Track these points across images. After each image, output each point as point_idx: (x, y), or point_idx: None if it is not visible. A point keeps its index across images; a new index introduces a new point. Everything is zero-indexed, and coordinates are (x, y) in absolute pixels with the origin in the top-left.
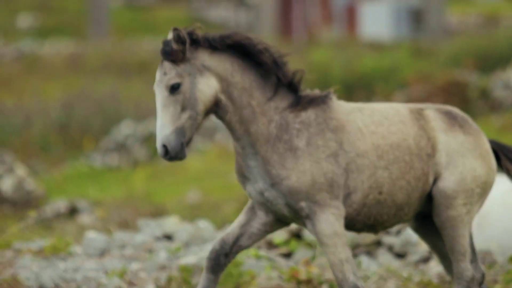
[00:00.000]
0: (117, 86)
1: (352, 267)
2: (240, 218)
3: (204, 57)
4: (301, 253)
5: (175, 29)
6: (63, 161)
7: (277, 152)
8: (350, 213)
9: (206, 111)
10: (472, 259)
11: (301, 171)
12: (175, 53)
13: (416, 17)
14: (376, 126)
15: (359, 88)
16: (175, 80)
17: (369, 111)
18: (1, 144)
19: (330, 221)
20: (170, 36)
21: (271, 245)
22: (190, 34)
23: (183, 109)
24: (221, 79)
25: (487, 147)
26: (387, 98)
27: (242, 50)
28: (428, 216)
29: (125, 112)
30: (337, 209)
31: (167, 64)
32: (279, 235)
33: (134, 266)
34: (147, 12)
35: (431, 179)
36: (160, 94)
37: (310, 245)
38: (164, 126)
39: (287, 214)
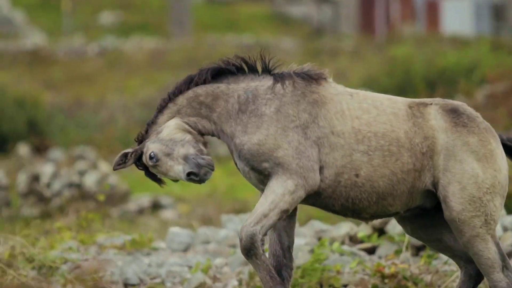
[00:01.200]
0: None
1: (265, 225)
2: None
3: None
4: (385, 248)
5: (114, 169)
6: None
7: (241, 124)
8: (324, 188)
9: (188, 131)
10: (503, 266)
11: (264, 134)
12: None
13: (497, 13)
14: (363, 113)
15: (440, 84)
16: (147, 154)
17: (362, 98)
18: (84, 141)
19: (286, 183)
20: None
21: (354, 240)
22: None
23: (172, 151)
24: (173, 116)
25: (493, 146)
26: (468, 94)
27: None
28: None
29: None
30: (302, 179)
31: (143, 160)
32: (363, 230)
33: (218, 261)
34: (229, 8)
35: (426, 179)
36: (162, 171)
37: (393, 240)
38: (179, 172)
39: (255, 181)
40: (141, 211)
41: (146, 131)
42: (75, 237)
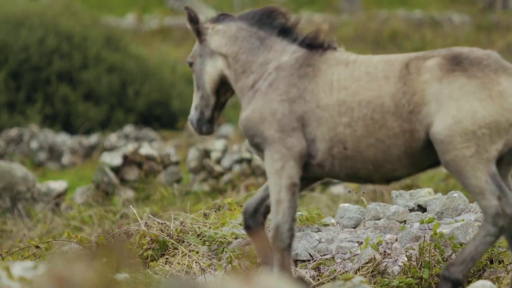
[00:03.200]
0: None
1: (284, 209)
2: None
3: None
4: None
5: (186, 8)
6: None
7: (246, 101)
8: (322, 160)
9: (217, 91)
10: (500, 194)
11: (251, 109)
12: (193, 30)
13: None
14: (352, 82)
15: None
16: (188, 59)
17: (357, 65)
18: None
19: (273, 159)
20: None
21: None
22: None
23: (197, 88)
24: (226, 57)
25: (503, 86)
26: None
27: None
28: None
29: None
30: (286, 149)
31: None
32: None
33: (388, 237)
34: None
35: (420, 135)
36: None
37: None
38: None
39: (261, 158)
40: (311, 187)
41: None
42: None
